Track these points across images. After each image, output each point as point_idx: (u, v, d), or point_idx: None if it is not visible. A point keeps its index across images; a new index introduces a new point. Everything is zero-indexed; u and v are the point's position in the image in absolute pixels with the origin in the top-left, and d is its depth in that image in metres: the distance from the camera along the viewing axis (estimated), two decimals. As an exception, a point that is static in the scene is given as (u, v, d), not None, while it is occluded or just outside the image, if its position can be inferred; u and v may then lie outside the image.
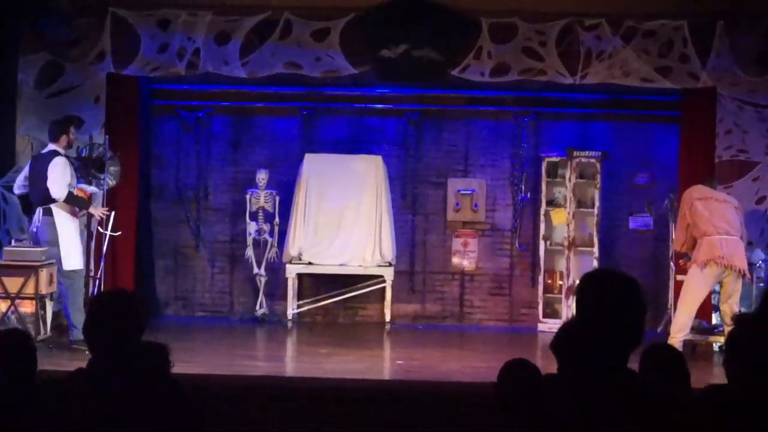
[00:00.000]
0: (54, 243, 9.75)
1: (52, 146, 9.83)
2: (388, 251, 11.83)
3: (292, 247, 11.76)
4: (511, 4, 11.01)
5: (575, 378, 3.43)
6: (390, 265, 11.81)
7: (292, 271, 11.74)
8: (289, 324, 11.67)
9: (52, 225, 9.73)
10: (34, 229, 9.88)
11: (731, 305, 9.65)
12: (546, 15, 11.00)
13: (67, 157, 9.84)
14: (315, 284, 12.36)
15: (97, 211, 10.18)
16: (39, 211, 9.80)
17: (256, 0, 11.04)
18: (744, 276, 9.68)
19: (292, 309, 11.75)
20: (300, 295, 12.06)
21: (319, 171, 11.88)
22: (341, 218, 11.83)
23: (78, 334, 9.32)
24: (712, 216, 9.66)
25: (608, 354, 3.40)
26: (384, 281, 11.73)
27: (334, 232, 11.83)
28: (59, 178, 9.66)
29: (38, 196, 9.76)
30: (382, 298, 11.87)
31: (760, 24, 10.60)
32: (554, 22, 10.95)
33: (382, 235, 11.80)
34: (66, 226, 9.80)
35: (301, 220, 11.78)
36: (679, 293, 10.75)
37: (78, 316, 9.55)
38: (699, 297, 9.73)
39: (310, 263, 11.77)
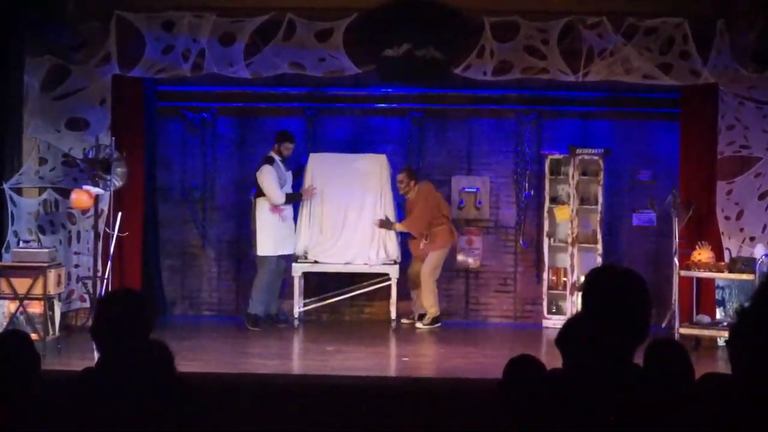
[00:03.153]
0: (253, 231, 11.52)
1: (269, 152, 11.64)
2: (393, 249, 11.85)
3: (298, 247, 11.77)
4: (512, 2, 11.00)
5: (580, 373, 3.46)
6: (395, 263, 11.83)
7: (297, 269, 11.74)
8: (296, 322, 11.68)
9: (253, 217, 11.54)
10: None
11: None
12: (548, 13, 10.96)
13: (278, 162, 11.53)
14: (320, 282, 12.31)
15: (309, 192, 11.76)
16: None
17: (259, 2, 11.02)
18: None
19: (298, 307, 11.77)
20: (306, 294, 12.06)
21: (323, 170, 11.88)
22: (346, 217, 11.84)
23: (254, 308, 11.45)
24: (446, 207, 12.12)
25: (613, 349, 3.42)
26: (389, 279, 11.72)
27: (339, 230, 11.83)
28: (272, 186, 11.39)
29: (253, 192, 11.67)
30: (388, 296, 11.81)
31: (756, 22, 10.55)
32: (556, 21, 10.90)
33: (386, 233, 11.84)
34: (263, 218, 11.48)
35: (307, 219, 11.80)
36: (683, 288, 10.91)
37: (256, 296, 11.47)
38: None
39: (315, 262, 11.80)
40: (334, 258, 11.81)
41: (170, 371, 4.03)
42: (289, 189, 11.65)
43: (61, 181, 11.09)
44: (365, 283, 12.03)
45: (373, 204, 11.85)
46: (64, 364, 8.71)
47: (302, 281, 11.87)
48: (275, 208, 11.48)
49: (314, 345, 10.72)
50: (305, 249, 11.80)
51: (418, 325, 11.86)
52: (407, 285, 12.05)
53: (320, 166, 11.90)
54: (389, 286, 11.76)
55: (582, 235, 12.19)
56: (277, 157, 11.55)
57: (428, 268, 11.82)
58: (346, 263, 11.83)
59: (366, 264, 11.83)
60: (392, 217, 11.87)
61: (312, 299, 12.17)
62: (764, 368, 3.26)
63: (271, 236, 11.45)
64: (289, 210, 11.71)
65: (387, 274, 11.79)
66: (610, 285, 3.51)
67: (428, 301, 11.82)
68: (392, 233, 11.86)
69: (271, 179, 11.39)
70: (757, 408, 3.23)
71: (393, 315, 11.72)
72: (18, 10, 10.73)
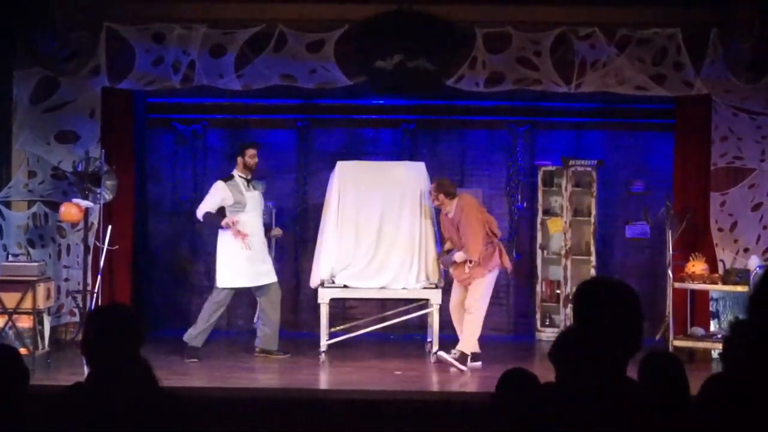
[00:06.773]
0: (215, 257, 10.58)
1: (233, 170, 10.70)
2: (435, 271, 10.44)
3: (323, 269, 10.38)
4: (505, 14, 10.96)
5: (573, 386, 3.43)
6: (437, 287, 10.41)
7: (325, 296, 10.25)
8: (322, 357, 10.22)
9: (217, 241, 10.60)
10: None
11: None
12: (540, 25, 10.93)
13: (240, 177, 10.55)
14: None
15: (229, 223, 10.43)
16: None
17: (250, 13, 10.95)
18: None
19: (325, 339, 10.28)
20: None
21: (353, 180, 10.52)
22: (380, 235, 10.42)
23: (193, 339, 10.41)
24: (494, 222, 10.41)
25: (606, 362, 3.41)
26: (430, 306, 10.38)
27: (373, 250, 10.41)
28: (206, 201, 10.57)
29: None
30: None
31: (751, 32, 10.52)
32: (548, 32, 10.87)
33: (428, 252, 10.46)
34: (223, 243, 10.49)
35: (334, 238, 10.41)
36: (677, 301, 10.82)
37: (201, 326, 10.44)
38: None
39: (345, 286, 10.36)
40: (366, 282, 10.35)
41: (156, 385, 4.00)
42: (255, 209, 10.53)
43: (50, 194, 11.00)
44: (400, 310, 11.08)
45: (412, 219, 10.46)
46: (54, 379, 8.67)
47: (327, 308, 10.33)
48: (238, 232, 10.30)
49: (306, 359, 10.47)
50: (332, 272, 10.37)
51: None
52: (452, 319, 10.45)
53: (350, 176, 10.57)
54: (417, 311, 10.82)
55: (575, 247, 12.19)
56: (239, 174, 10.50)
57: (472, 298, 10.07)
58: (381, 288, 10.38)
59: (405, 289, 10.41)
60: (431, 235, 10.46)
61: (338, 328, 11.14)
62: (759, 379, 3.28)
63: (229, 267, 10.39)
64: (259, 236, 10.55)
65: (427, 300, 10.45)
66: (601, 297, 3.50)
67: (470, 337, 10.04)
68: (433, 250, 10.47)
69: (211, 194, 10.55)
70: (754, 418, 3.25)
71: (435, 347, 10.30)
72: (6, 21, 10.68)
